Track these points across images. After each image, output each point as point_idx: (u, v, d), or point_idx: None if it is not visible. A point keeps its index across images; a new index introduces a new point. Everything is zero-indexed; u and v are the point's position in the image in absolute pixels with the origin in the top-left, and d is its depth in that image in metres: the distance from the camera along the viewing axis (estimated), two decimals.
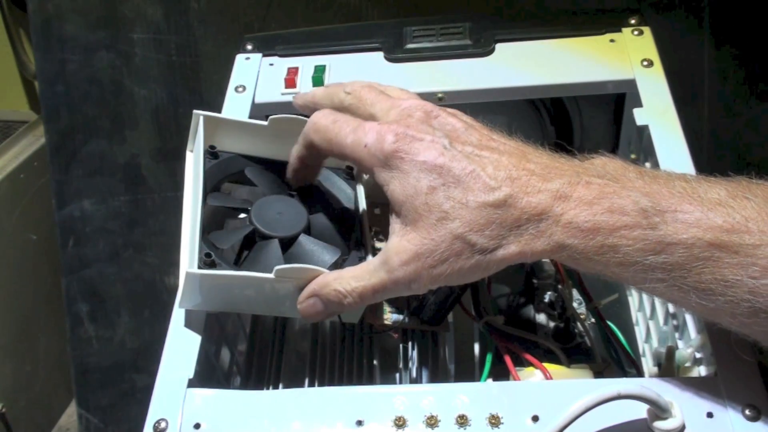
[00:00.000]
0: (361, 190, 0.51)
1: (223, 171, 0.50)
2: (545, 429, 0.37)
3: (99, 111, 0.93)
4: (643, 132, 0.59)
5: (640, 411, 0.38)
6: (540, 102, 0.76)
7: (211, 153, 0.50)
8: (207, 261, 0.43)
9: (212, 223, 0.47)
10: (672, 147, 0.55)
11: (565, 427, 0.37)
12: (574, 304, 0.52)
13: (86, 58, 0.91)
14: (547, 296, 0.57)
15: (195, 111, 0.50)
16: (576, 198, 0.38)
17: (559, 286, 0.53)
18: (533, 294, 0.58)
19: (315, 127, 0.44)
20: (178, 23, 0.89)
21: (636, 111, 0.59)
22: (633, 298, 0.68)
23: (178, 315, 0.47)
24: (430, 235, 0.39)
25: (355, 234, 0.49)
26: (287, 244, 0.46)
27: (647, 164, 0.59)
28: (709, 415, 0.38)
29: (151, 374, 0.43)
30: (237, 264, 0.45)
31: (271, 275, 0.42)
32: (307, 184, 0.50)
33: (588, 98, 0.77)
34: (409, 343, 0.50)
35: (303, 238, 0.46)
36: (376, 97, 0.45)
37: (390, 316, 0.48)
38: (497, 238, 0.38)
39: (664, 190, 0.37)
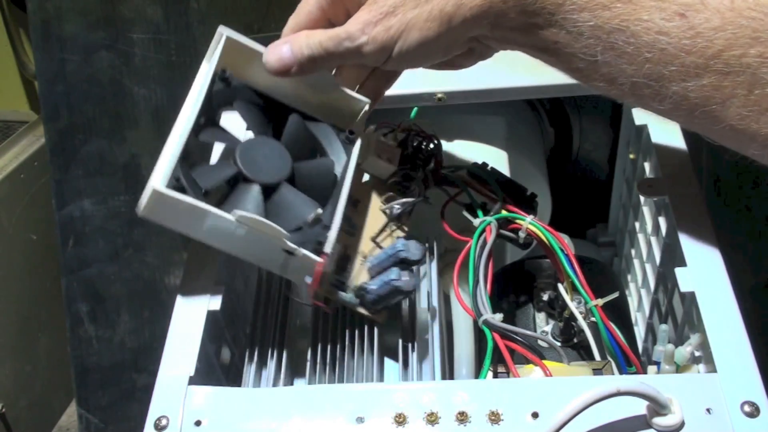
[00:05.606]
0: (355, 155, 0.51)
1: (229, 99, 0.49)
2: (545, 425, 0.38)
3: (99, 111, 0.93)
4: (642, 131, 0.59)
5: (640, 407, 0.39)
6: (539, 103, 0.76)
7: (222, 78, 0.49)
8: (176, 185, 0.43)
9: (198, 148, 0.47)
10: (671, 146, 0.55)
11: (565, 423, 0.37)
12: (573, 303, 0.52)
13: (86, 58, 0.91)
14: (546, 295, 0.57)
15: (221, 27, 0.49)
16: None
17: (559, 285, 0.53)
18: (532, 292, 0.58)
19: None
20: (178, 23, 0.89)
21: (635, 111, 0.59)
22: (632, 298, 0.68)
23: (178, 313, 0.47)
24: None
25: (334, 195, 0.48)
26: (269, 190, 0.46)
27: (646, 164, 0.59)
28: (708, 411, 0.39)
29: (151, 374, 0.43)
30: (211, 199, 0.45)
31: (231, 218, 0.43)
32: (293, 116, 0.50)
33: (587, 98, 0.77)
34: (409, 342, 0.50)
35: (285, 188, 0.46)
36: None
37: (333, 290, 0.48)
38: None
39: None
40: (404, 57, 0.45)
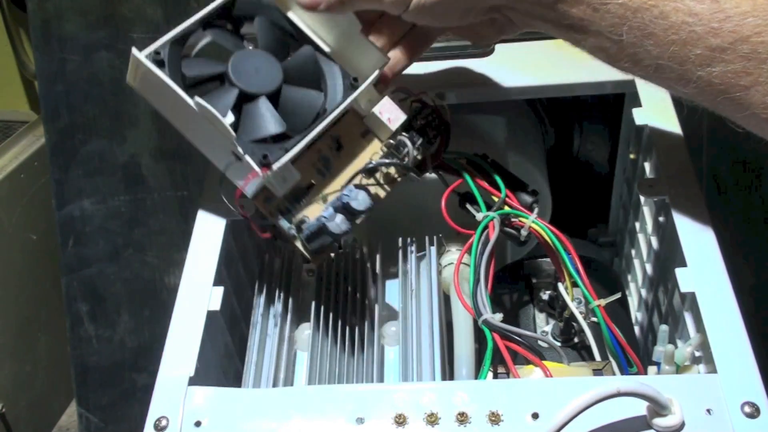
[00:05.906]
0: (349, 99, 0.50)
1: (254, 12, 0.50)
2: (545, 426, 0.38)
3: (99, 111, 0.92)
4: (643, 131, 0.59)
5: (640, 408, 0.39)
6: (539, 103, 0.76)
7: None
8: (156, 58, 0.44)
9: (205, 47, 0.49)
10: (671, 146, 0.55)
11: (566, 424, 0.37)
12: (573, 303, 0.52)
13: (86, 58, 0.91)
14: (546, 295, 0.57)
15: None
16: None
17: (559, 285, 0.53)
18: (532, 292, 0.58)
19: None
20: (177, 23, 0.89)
21: (635, 111, 0.59)
22: (632, 298, 0.68)
23: (178, 313, 0.47)
24: None
25: (309, 128, 0.48)
26: (249, 98, 0.47)
27: (646, 164, 0.59)
28: (709, 411, 0.39)
29: (151, 373, 0.43)
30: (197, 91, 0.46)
31: (191, 102, 0.44)
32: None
33: (587, 98, 0.77)
34: (409, 342, 0.50)
35: (261, 100, 0.47)
36: None
37: (276, 214, 0.48)
38: None
39: None
40: (421, 10, 0.46)
